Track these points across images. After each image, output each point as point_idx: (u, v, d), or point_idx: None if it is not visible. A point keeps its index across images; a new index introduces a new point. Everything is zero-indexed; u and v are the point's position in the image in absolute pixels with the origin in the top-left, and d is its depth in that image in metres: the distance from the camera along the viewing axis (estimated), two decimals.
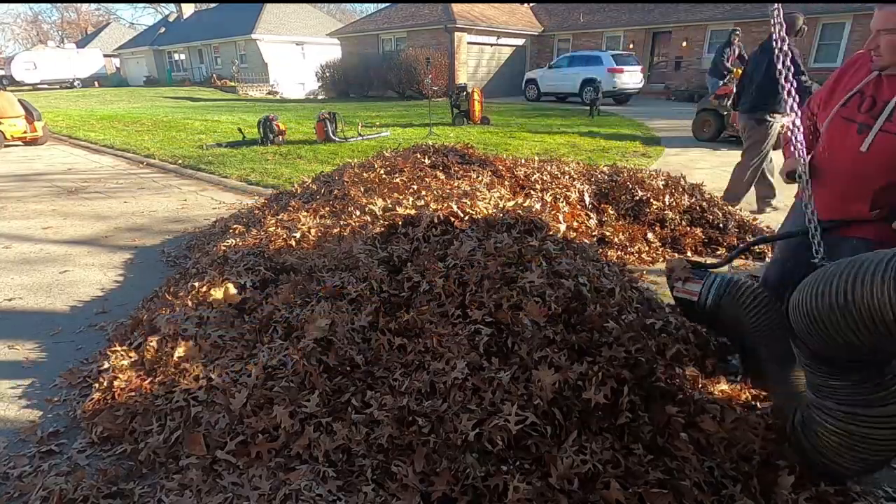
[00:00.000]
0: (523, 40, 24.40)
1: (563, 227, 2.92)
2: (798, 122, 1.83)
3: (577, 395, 1.82)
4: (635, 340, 1.89)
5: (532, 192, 4.25)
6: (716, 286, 2.02)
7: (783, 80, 1.77)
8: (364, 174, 4.30)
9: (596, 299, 2.14)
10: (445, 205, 3.06)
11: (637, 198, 4.34)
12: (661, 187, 4.46)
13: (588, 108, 14.09)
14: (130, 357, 2.53)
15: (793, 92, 1.76)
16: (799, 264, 1.97)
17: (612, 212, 4.23)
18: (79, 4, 55.63)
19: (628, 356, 1.85)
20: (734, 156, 8.48)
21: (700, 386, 1.99)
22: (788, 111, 1.83)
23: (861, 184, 1.81)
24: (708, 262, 2.42)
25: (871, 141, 1.74)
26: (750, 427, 1.83)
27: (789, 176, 1.99)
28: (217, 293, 2.75)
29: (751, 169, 5.00)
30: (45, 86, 32.66)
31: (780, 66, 1.73)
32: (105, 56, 37.81)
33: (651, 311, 2.27)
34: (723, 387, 2.06)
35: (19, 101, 10.88)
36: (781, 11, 1.76)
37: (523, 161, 4.96)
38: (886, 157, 1.72)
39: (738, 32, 10.71)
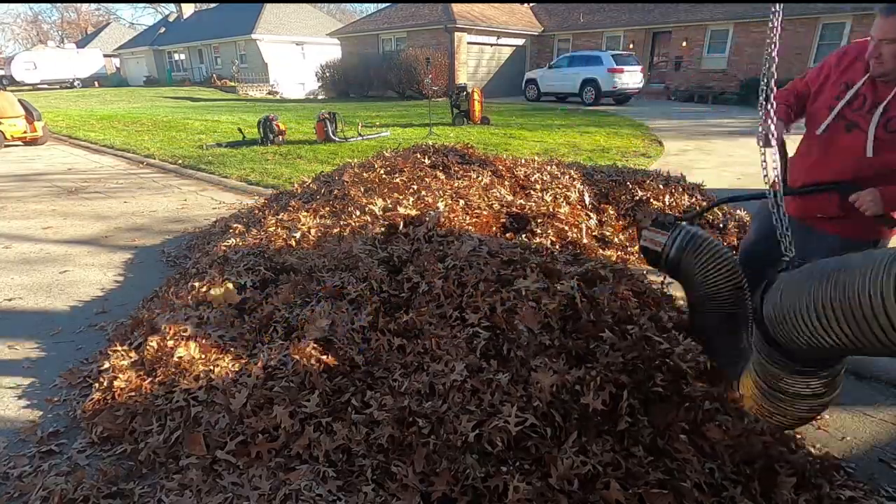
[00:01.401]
0: (523, 40, 24.39)
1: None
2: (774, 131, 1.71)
3: (576, 399, 1.82)
4: (632, 349, 1.89)
5: (532, 192, 4.25)
6: (680, 237, 1.93)
7: (765, 90, 1.65)
8: (364, 174, 4.30)
9: (589, 307, 2.13)
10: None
11: (637, 198, 4.33)
12: (661, 187, 4.46)
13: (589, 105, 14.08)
14: (130, 357, 2.53)
15: (772, 101, 1.63)
16: (769, 250, 1.98)
17: (612, 212, 4.23)
18: (79, 4, 55.68)
19: (626, 362, 1.85)
20: (735, 156, 8.48)
21: (712, 395, 1.96)
22: (764, 122, 1.73)
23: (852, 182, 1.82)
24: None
25: (873, 146, 1.76)
26: (756, 433, 1.82)
27: (763, 142, 1.86)
28: (217, 293, 2.75)
29: None
30: (45, 86, 32.65)
31: (765, 71, 1.66)
32: (105, 56, 37.80)
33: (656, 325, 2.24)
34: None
35: (19, 101, 10.87)
36: (781, 13, 1.75)
37: (523, 161, 4.96)
38: (884, 163, 1.75)
39: None
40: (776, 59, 1.62)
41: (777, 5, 1.65)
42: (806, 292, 1.29)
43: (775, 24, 1.64)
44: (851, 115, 1.82)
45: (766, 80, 1.64)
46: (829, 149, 1.91)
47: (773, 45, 1.62)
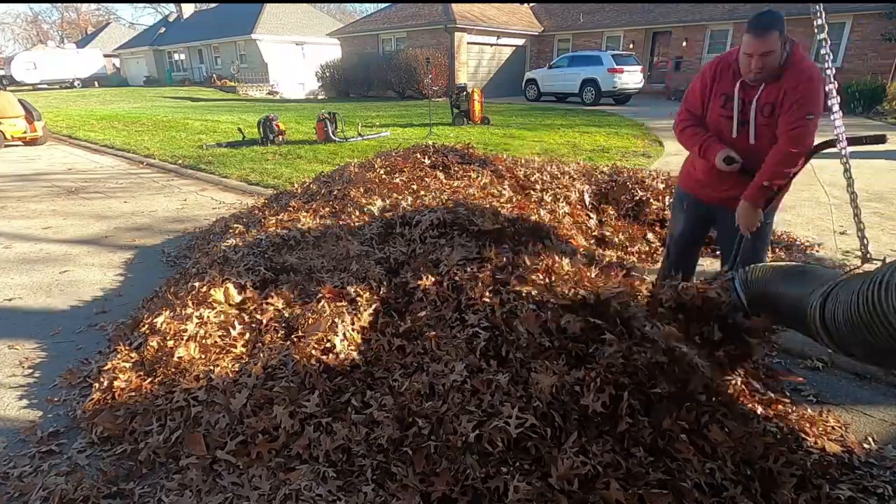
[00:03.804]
0: (523, 40, 24.39)
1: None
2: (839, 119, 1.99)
3: (576, 400, 1.82)
4: (633, 350, 1.89)
5: (532, 192, 4.25)
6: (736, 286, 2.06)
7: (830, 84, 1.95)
8: (364, 174, 4.30)
9: (588, 310, 2.12)
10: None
11: (637, 198, 4.34)
12: (661, 188, 4.46)
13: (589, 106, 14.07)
14: (131, 357, 2.53)
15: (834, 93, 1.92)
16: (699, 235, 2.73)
17: (612, 212, 4.23)
18: (79, 4, 55.70)
19: (626, 363, 1.85)
20: None
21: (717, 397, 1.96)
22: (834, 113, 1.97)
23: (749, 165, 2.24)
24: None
25: (755, 133, 2.21)
26: (757, 434, 1.82)
27: (727, 162, 2.25)
28: (217, 293, 2.75)
29: None
30: (45, 86, 32.63)
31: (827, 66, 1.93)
32: (105, 56, 37.78)
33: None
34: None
35: (19, 101, 10.87)
36: (822, 10, 1.84)
37: (523, 161, 4.96)
38: (766, 143, 2.20)
39: None
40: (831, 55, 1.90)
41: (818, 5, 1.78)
42: None
43: (819, 25, 1.78)
44: (742, 117, 2.24)
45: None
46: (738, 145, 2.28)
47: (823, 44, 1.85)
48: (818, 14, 1.91)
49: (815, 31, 1.96)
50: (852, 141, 2.09)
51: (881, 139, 2.11)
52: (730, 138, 2.29)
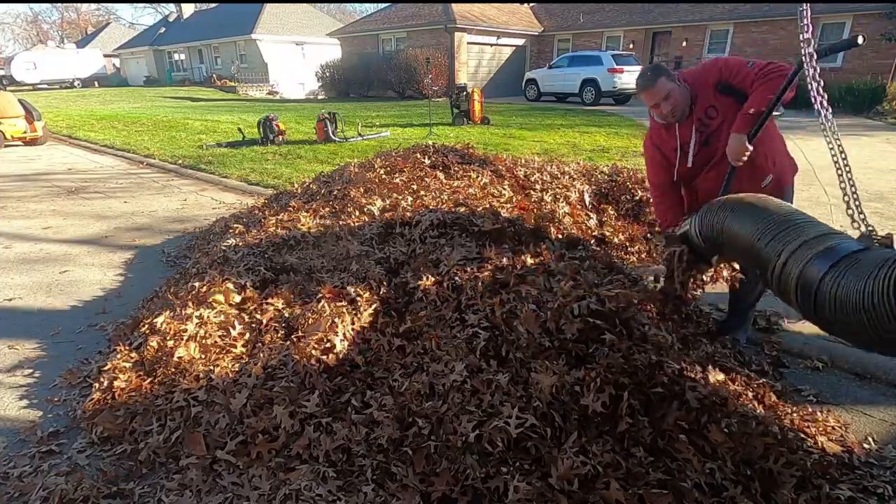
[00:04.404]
0: (523, 40, 24.39)
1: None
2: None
3: (576, 400, 1.82)
4: (634, 350, 1.89)
5: (532, 192, 4.25)
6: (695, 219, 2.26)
7: (813, 93, 1.78)
8: (364, 174, 4.30)
9: (587, 311, 2.12)
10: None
11: (637, 198, 4.33)
12: None
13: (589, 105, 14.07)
14: (131, 357, 2.53)
15: (825, 105, 1.76)
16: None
17: (612, 212, 4.23)
18: (79, 4, 55.73)
19: (626, 363, 1.85)
20: None
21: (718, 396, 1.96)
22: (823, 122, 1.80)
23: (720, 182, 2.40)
24: None
25: (693, 154, 2.45)
26: (757, 435, 1.82)
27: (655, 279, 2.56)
28: (217, 293, 2.75)
29: None
30: (45, 86, 32.63)
31: (808, 71, 1.78)
32: (105, 56, 37.79)
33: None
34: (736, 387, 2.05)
35: (19, 101, 10.87)
36: (809, 12, 1.78)
37: (523, 161, 4.96)
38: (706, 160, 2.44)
39: None
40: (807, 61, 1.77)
41: (805, 4, 1.73)
42: None
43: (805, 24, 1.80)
44: (698, 150, 2.43)
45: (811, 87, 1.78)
46: (716, 165, 2.45)
47: (804, 47, 1.78)
48: (803, 14, 1.85)
49: (799, 31, 1.87)
50: (830, 49, 2.13)
51: (853, 43, 2.04)
52: (695, 174, 2.51)
